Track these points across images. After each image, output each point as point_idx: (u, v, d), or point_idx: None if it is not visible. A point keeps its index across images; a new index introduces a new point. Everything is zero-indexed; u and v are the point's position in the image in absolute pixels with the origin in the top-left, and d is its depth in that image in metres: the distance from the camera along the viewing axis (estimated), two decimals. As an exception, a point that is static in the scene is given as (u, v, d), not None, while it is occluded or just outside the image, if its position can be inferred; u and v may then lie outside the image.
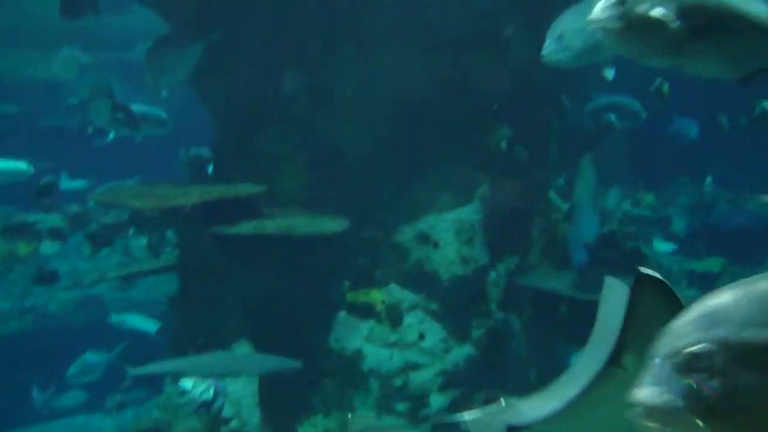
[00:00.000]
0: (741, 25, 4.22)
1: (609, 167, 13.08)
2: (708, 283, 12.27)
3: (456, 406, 8.36)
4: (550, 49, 6.92)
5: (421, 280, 9.05)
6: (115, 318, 14.72)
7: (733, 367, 2.12)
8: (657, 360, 2.21)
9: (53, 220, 11.33)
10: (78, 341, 13.84)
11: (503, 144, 9.08)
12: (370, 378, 8.65)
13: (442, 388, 8.61)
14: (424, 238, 9.08)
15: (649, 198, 14.34)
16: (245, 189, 8.90)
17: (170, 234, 10.29)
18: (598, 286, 9.22)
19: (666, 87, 9.49)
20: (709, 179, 15.22)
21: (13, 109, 19.69)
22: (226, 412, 8.28)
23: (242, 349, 8.78)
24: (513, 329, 9.05)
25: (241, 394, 8.39)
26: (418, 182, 9.28)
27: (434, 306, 9.00)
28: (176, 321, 9.48)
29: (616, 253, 9.80)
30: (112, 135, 10.84)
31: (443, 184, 9.29)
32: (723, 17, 4.17)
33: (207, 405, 8.18)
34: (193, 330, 9.00)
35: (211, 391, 8.24)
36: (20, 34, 17.38)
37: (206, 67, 9.44)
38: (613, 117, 12.35)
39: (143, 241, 9.16)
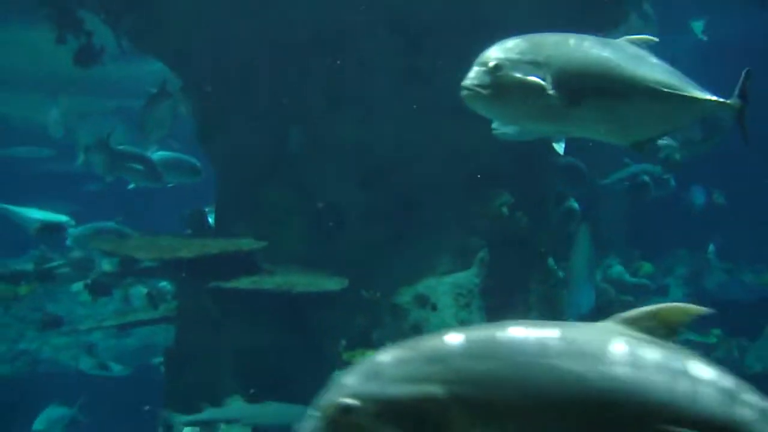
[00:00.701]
0: (624, 89, 4.13)
1: (608, 235, 13.19)
2: (705, 354, 12.28)
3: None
4: (497, 124, 7.10)
5: (418, 342, 9.04)
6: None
7: (377, 424, 2.13)
8: (312, 413, 2.23)
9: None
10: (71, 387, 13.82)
11: (504, 210, 9.15)
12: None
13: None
14: (423, 301, 9.10)
15: (647, 267, 14.39)
16: (246, 244, 8.95)
17: (168, 285, 10.31)
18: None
19: (678, 155, 9.51)
20: (711, 248, 15.28)
21: (50, 153, 19.64)
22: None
23: (235, 404, 8.75)
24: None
25: (234, 449, 8.34)
26: (418, 244, 9.33)
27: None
28: (171, 372, 9.45)
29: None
30: (132, 185, 10.97)
31: (443, 247, 9.35)
32: (605, 81, 4.09)
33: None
34: (186, 382, 8.99)
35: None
36: (31, 78, 17.60)
37: (211, 121, 9.57)
38: (647, 178, 12.44)
39: (143, 290, 9.19)
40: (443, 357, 2.16)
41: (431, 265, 9.30)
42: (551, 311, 9.34)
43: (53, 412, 12.76)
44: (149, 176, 10.77)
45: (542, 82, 3.95)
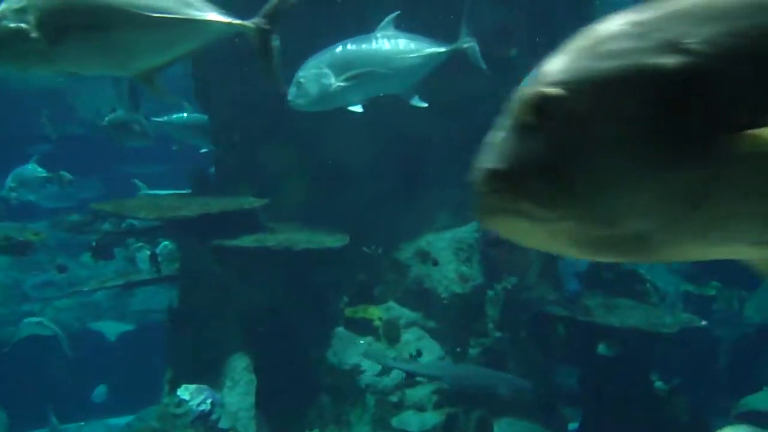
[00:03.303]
0: (110, 21, 4.12)
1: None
2: (704, 306, 12.36)
3: (451, 423, 8.41)
4: (291, 95, 7.22)
5: (420, 297, 9.12)
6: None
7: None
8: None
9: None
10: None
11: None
12: (367, 394, 8.69)
13: (438, 405, 8.64)
14: (424, 256, 9.15)
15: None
16: (247, 202, 8.96)
17: (171, 245, 10.32)
18: (594, 308, 9.27)
19: None
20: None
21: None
22: (223, 424, 8.31)
23: (240, 361, 8.82)
24: (510, 348, 9.10)
25: (239, 407, 8.41)
26: (419, 201, 9.36)
27: (432, 323, 9.06)
28: (174, 331, 9.50)
29: (613, 274, 9.88)
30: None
31: (443, 203, 9.37)
32: (89, 16, 4.09)
33: (204, 417, 8.22)
34: (191, 341, 9.05)
35: (209, 403, 8.28)
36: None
37: (213, 79, 9.51)
38: None
39: (146, 252, 9.21)
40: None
41: (431, 221, 9.33)
42: (552, 265, 9.39)
43: None
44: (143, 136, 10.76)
45: (23, 26, 3.98)
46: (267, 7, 4.74)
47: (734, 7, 1.74)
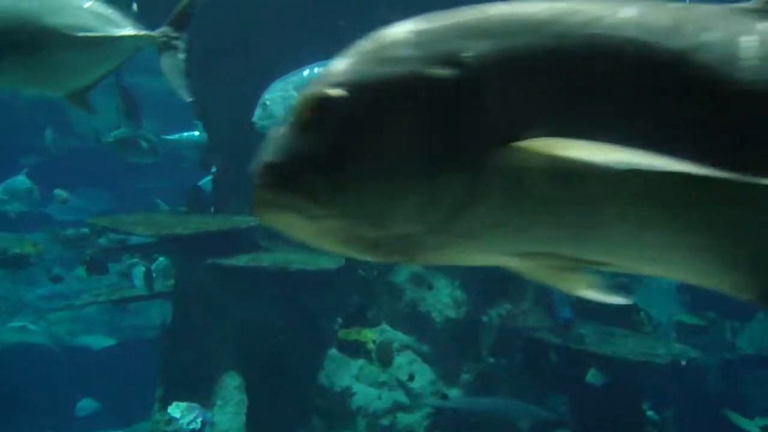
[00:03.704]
0: (38, 40, 4.15)
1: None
2: (696, 336, 12.35)
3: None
4: (257, 116, 7.27)
5: (414, 321, 9.12)
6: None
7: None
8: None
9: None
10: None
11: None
12: (358, 416, 8.67)
13: (429, 430, 8.63)
14: (419, 280, 9.15)
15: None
16: (244, 221, 8.96)
17: (166, 261, 10.31)
18: (587, 336, 9.27)
19: None
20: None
21: None
22: (213, 443, 8.28)
23: (231, 380, 8.79)
24: (502, 374, 9.09)
25: (229, 426, 8.38)
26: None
27: (425, 348, 9.06)
28: (167, 348, 9.48)
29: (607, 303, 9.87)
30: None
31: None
32: (20, 35, 4.13)
33: (194, 435, 8.20)
34: (183, 358, 9.02)
35: (199, 421, 8.25)
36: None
37: (211, 96, 9.54)
38: None
39: (142, 268, 9.19)
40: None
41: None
42: (545, 294, 9.39)
43: None
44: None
45: None
46: (172, 16, 4.80)
47: (510, 24, 1.80)
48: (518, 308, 9.23)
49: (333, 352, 9.01)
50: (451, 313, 8.98)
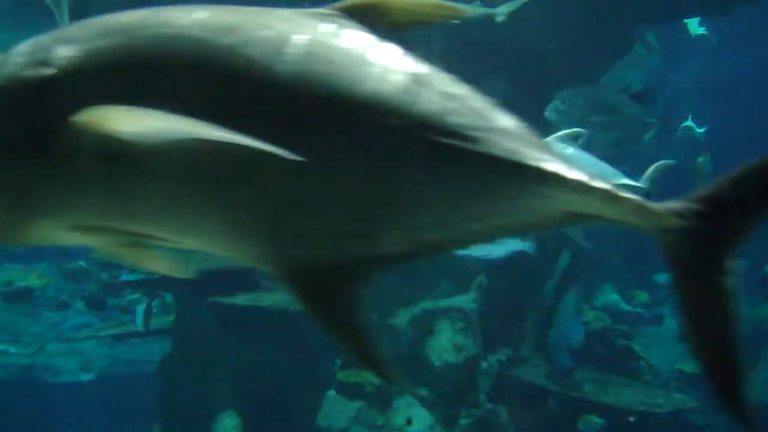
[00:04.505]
0: None
1: (604, 262, 13.22)
2: (696, 385, 12.27)
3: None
4: None
5: (413, 365, 9.09)
6: None
7: None
8: None
9: None
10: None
11: (503, 236, 9.19)
12: (355, 459, 8.62)
13: (426, 474, 8.58)
14: (419, 324, 9.14)
15: (642, 296, 14.36)
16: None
17: (168, 297, 10.33)
18: (586, 384, 9.24)
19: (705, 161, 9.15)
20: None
21: None
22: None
23: (229, 420, 8.77)
24: (501, 420, 9.05)
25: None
26: (416, 267, 9.37)
27: (424, 392, 9.02)
28: (165, 385, 9.46)
29: (607, 350, 9.88)
30: None
31: (442, 270, 9.38)
32: None
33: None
34: (181, 395, 9.00)
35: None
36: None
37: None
38: None
39: (143, 305, 9.21)
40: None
41: (429, 288, 9.34)
42: (545, 341, 9.38)
43: None
44: None
45: None
46: None
47: (100, 29, 2.04)
48: (518, 354, 9.22)
49: (331, 393, 8.97)
50: (451, 358, 8.95)
